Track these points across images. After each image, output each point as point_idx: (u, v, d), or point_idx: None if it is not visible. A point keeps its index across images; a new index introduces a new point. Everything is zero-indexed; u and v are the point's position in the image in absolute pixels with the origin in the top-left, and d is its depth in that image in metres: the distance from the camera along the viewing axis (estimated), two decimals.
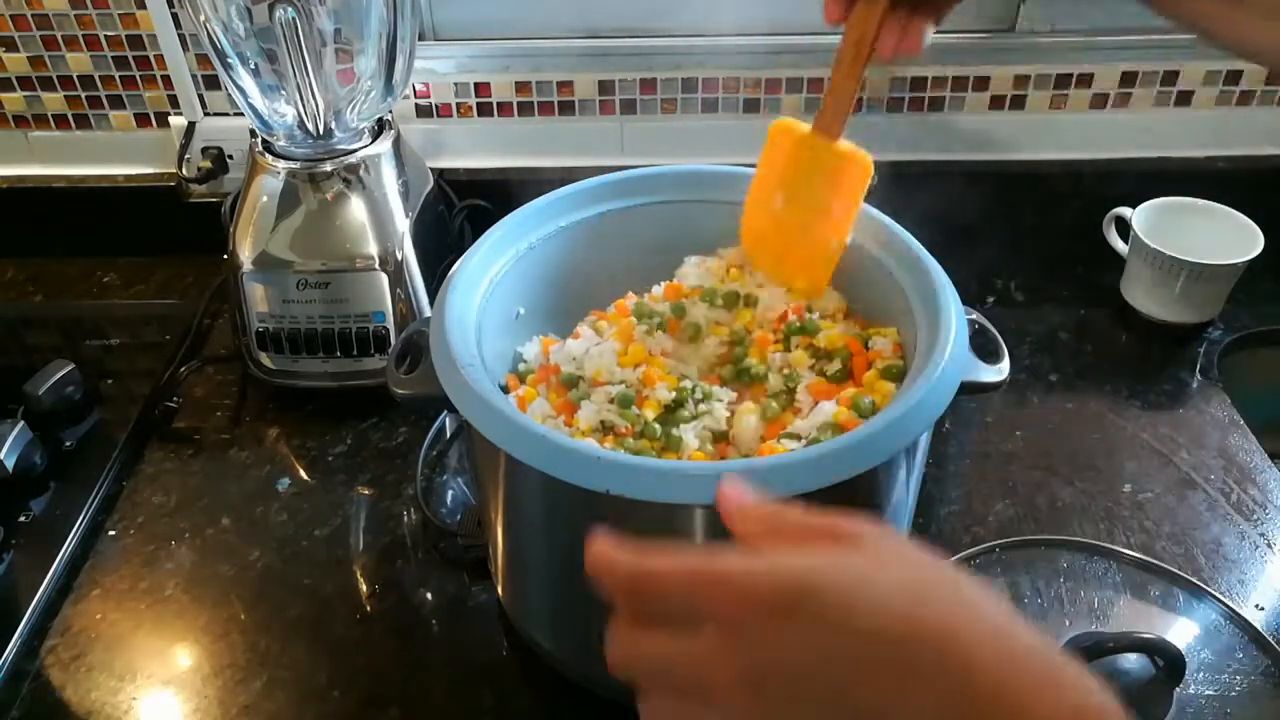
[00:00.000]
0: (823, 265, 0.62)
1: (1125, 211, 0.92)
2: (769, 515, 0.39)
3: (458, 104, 0.97)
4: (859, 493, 0.51)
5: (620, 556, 0.37)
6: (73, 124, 1.00)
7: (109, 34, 0.94)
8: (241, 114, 0.81)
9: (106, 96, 0.98)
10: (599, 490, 0.46)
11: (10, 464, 0.73)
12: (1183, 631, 0.63)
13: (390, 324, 0.81)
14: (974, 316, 0.59)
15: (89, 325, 0.93)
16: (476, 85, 0.95)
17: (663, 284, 0.65)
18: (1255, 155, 0.97)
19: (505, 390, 0.61)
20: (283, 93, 0.79)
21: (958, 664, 0.32)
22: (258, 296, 0.81)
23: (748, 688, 0.33)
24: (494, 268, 0.61)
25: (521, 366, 0.63)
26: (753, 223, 0.64)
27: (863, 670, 0.32)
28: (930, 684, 0.32)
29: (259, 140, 0.82)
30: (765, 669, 0.33)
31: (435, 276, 0.84)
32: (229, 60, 0.78)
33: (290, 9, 0.72)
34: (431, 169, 0.91)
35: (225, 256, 0.81)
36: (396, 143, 0.84)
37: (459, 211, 0.95)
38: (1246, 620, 0.63)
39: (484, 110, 0.97)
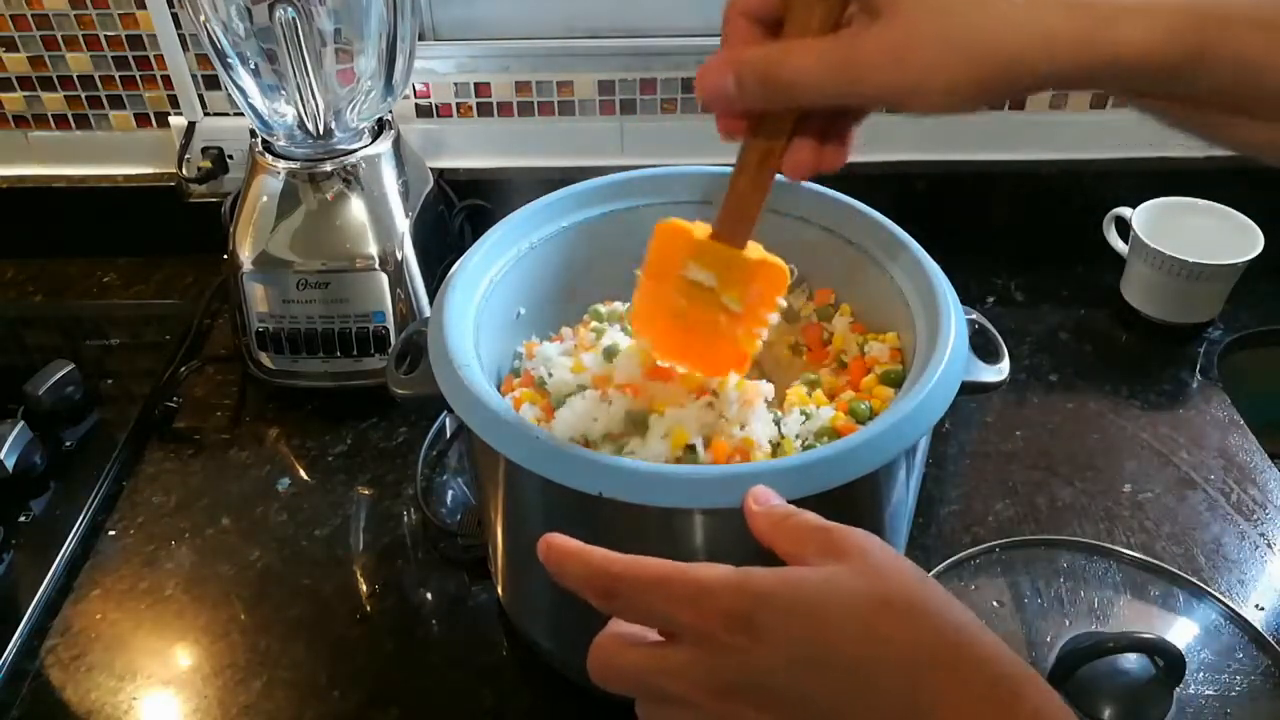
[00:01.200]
0: (739, 358, 0.53)
1: (1125, 211, 0.92)
2: (779, 519, 0.40)
3: (458, 104, 0.97)
4: (861, 494, 0.51)
5: (586, 553, 0.38)
6: (73, 124, 1.00)
7: (109, 34, 0.94)
8: (241, 114, 0.81)
9: (106, 96, 0.98)
10: (592, 493, 0.46)
11: (10, 464, 0.73)
12: (1183, 631, 0.63)
13: (390, 324, 0.81)
14: (974, 316, 0.59)
15: (89, 325, 0.93)
16: (476, 85, 0.95)
17: None
18: None
19: (501, 391, 0.61)
20: (283, 93, 0.79)
21: (908, 679, 0.34)
22: (258, 296, 0.81)
23: (721, 697, 0.35)
24: (494, 268, 0.61)
25: (515, 363, 0.63)
26: (645, 317, 0.54)
27: (824, 683, 0.34)
28: (883, 695, 0.34)
29: (259, 140, 0.82)
30: (735, 680, 0.35)
31: (435, 276, 0.84)
32: (229, 60, 0.78)
33: (290, 9, 0.72)
34: (431, 169, 0.91)
35: (225, 256, 0.81)
36: (396, 143, 0.84)
37: (459, 211, 0.95)
38: (1246, 620, 0.63)
39: (484, 110, 0.97)
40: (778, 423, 0.53)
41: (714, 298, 0.50)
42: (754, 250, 0.49)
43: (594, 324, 0.63)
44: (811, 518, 0.40)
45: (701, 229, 0.49)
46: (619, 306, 0.64)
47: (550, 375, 0.58)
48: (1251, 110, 0.37)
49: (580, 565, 0.38)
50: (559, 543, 0.38)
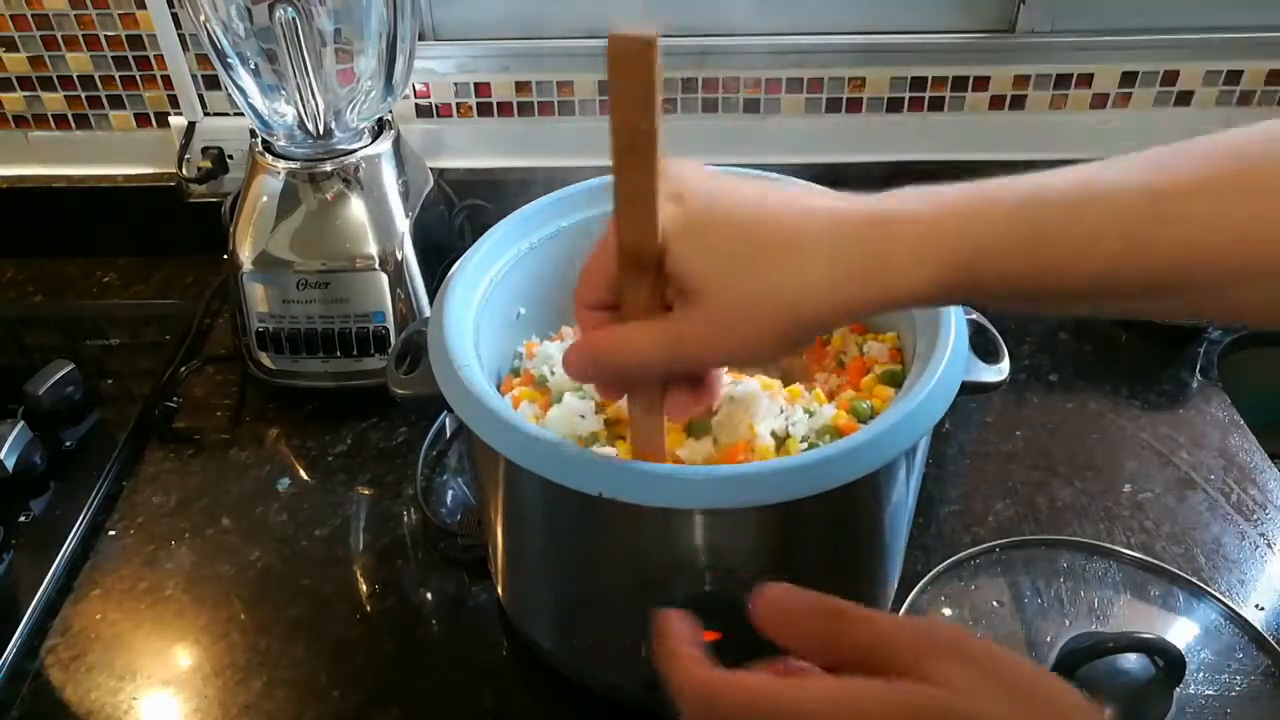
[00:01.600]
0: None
1: None
2: (822, 629, 0.35)
3: (458, 104, 0.97)
4: (861, 495, 0.51)
5: (699, 671, 0.35)
6: (73, 124, 1.00)
7: (109, 34, 0.94)
8: (241, 114, 0.81)
9: (106, 96, 0.98)
10: (592, 493, 0.46)
11: (10, 464, 0.73)
12: (1183, 631, 0.63)
13: (390, 324, 0.81)
14: (974, 316, 0.59)
15: (89, 325, 0.93)
16: (476, 85, 0.95)
17: None
18: None
19: (501, 391, 0.61)
20: (283, 93, 0.79)
21: None
22: (258, 296, 0.81)
23: None
24: (494, 268, 0.61)
25: (515, 363, 0.63)
26: None
27: None
28: None
29: (259, 140, 0.82)
30: None
31: (435, 276, 0.84)
32: (229, 60, 0.78)
33: (290, 9, 0.72)
34: (431, 169, 0.91)
35: (225, 256, 0.81)
36: (396, 143, 0.84)
37: (459, 211, 0.95)
38: (1246, 620, 0.63)
39: (484, 110, 0.97)
40: (785, 416, 0.53)
41: None
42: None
43: None
44: (857, 622, 0.35)
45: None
46: None
47: (552, 374, 0.58)
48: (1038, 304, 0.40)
49: (682, 674, 0.35)
50: (674, 636, 0.36)
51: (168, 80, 0.96)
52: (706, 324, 0.40)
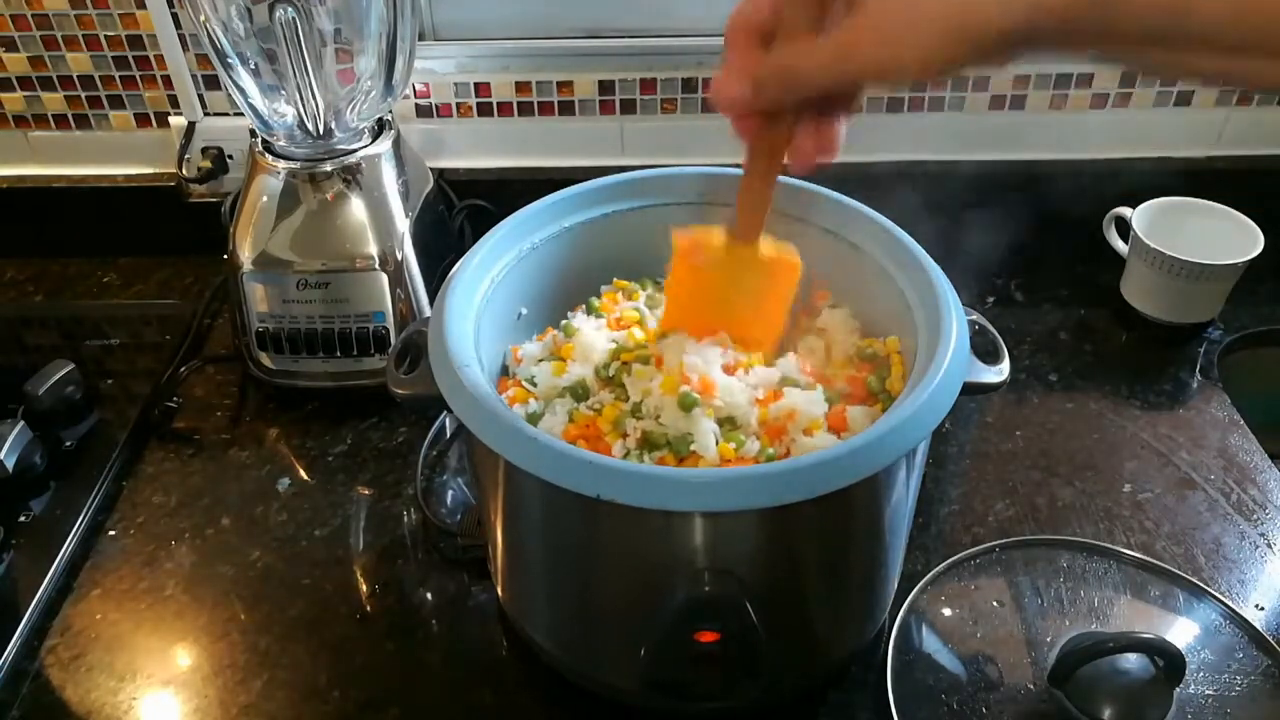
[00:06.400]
0: (766, 340, 0.59)
1: (1125, 211, 0.92)
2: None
3: (458, 104, 0.97)
4: (861, 497, 0.51)
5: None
6: (73, 124, 1.00)
7: (109, 34, 0.94)
8: (241, 114, 0.81)
9: (106, 96, 0.98)
10: (589, 495, 0.46)
11: (10, 464, 0.73)
12: (1183, 631, 0.63)
13: (390, 324, 0.81)
14: (974, 317, 0.59)
15: (89, 325, 0.93)
16: (476, 85, 0.95)
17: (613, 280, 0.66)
18: (1255, 155, 0.97)
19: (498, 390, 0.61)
20: (283, 93, 0.79)
21: None
22: (258, 296, 0.81)
23: None
24: (495, 268, 0.61)
25: (506, 362, 0.63)
26: (678, 319, 0.59)
27: None
28: None
29: (259, 140, 0.82)
30: None
31: (435, 276, 0.84)
32: (229, 60, 0.78)
33: (290, 9, 0.72)
34: (431, 169, 0.91)
35: (225, 256, 0.81)
36: (396, 143, 0.84)
37: (459, 211, 0.95)
38: (1246, 620, 0.63)
39: (484, 110, 0.97)
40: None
41: (735, 303, 0.56)
42: (766, 247, 0.55)
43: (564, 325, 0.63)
44: None
45: (716, 235, 0.55)
46: (593, 299, 0.65)
47: (534, 384, 0.58)
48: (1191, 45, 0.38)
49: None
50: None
51: (168, 80, 0.96)
52: (877, 29, 0.41)
